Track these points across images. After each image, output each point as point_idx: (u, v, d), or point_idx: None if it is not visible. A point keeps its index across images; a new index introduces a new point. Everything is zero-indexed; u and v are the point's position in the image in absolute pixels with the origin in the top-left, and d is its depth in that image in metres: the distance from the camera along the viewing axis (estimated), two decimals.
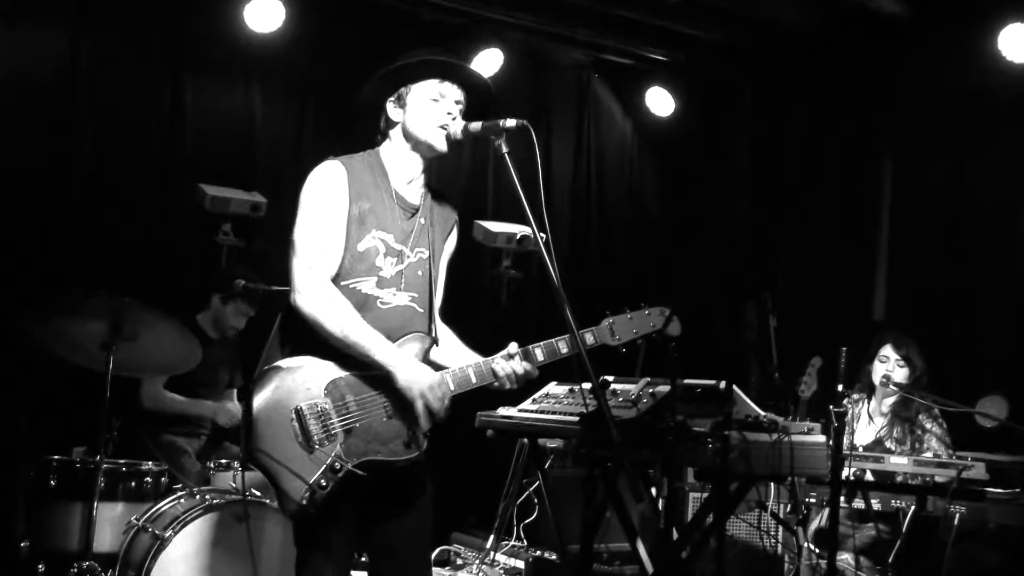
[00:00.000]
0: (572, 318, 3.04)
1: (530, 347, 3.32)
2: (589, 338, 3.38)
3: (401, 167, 3.36)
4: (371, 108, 3.39)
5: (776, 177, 7.72)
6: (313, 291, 3.15)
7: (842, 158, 7.28)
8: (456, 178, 7.27)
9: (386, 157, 3.38)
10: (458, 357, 3.40)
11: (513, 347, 3.29)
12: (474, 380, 3.26)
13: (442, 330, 3.47)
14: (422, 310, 3.34)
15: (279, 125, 6.84)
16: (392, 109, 3.36)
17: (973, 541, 4.63)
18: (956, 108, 6.61)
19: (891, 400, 5.42)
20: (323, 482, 3.07)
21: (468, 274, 6.31)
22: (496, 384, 3.27)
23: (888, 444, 5.29)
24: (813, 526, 5.09)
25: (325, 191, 3.24)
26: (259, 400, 3.11)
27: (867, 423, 5.45)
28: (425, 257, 3.36)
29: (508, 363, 3.27)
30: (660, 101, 7.88)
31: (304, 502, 3.05)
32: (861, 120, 7.15)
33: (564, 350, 3.32)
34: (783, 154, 7.70)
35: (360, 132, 3.46)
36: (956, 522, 4.43)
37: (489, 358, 3.30)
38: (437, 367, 3.26)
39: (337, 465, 3.08)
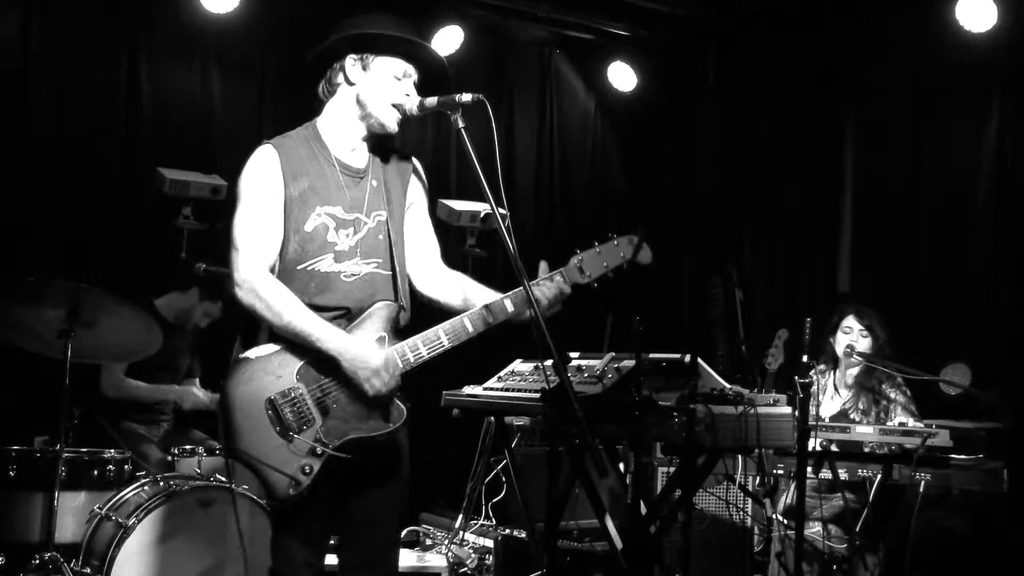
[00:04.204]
0: (532, 291, 3.01)
1: (500, 298, 3.29)
2: (559, 279, 3.33)
3: (344, 134, 3.31)
4: (327, 57, 3.31)
5: (740, 150, 7.73)
6: (250, 284, 3.11)
7: (806, 130, 7.30)
8: (419, 157, 7.15)
9: (326, 125, 3.32)
10: (475, 299, 3.34)
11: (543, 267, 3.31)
12: (470, 329, 3.20)
13: (452, 276, 3.45)
14: (388, 273, 3.30)
15: (237, 106, 6.74)
16: (351, 66, 3.28)
17: (939, 507, 4.67)
18: (917, 79, 6.65)
19: (855, 371, 5.44)
20: (306, 468, 3.05)
21: None
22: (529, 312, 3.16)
23: (853, 415, 5.31)
24: (783, 502, 5.10)
25: (257, 180, 3.20)
26: (233, 393, 3.08)
27: (832, 395, 5.47)
28: (383, 219, 3.31)
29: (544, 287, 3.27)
30: (622, 76, 7.86)
31: (291, 493, 3.03)
32: (824, 92, 7.16)
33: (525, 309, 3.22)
34: (747, 127, 7.70)
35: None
36: (922, 489, 4.47)
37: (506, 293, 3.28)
38: (455, 313, 3.25)
39: (319, 449, 3.06)
